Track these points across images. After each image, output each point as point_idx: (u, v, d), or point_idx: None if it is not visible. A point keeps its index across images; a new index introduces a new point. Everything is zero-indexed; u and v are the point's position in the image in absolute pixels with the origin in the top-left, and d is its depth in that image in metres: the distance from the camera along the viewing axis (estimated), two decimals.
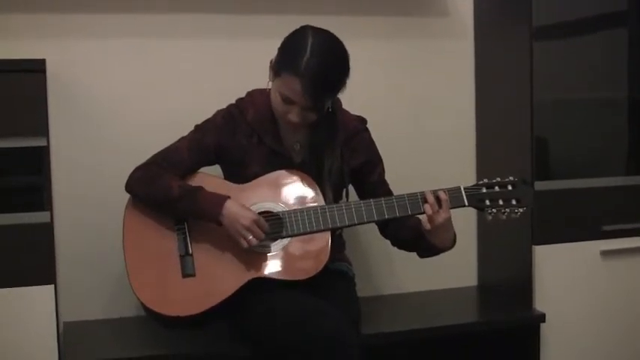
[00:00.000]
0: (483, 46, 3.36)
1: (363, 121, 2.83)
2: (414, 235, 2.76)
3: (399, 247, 2.90)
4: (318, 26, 2.61)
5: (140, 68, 3.04)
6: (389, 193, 2.81)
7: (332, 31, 2.60)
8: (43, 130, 2.64)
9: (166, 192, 2.59)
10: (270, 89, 2.66)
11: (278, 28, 2.64)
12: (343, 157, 2.74)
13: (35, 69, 2.63)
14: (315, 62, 2.51)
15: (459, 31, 3.38)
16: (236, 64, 3.10)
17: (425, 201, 2.63)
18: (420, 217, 2.69)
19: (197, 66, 3.09)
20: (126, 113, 3.03)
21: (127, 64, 3.03)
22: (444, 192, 2.64)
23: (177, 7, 3.05)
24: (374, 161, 2.83)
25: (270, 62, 2.62)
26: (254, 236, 2.54)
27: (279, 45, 2.62)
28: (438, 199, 2.62)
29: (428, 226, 2.63)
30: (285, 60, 2.56)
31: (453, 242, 2.75)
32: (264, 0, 3.14)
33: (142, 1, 3.03)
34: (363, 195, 2.81)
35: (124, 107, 3.03)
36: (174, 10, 3.05)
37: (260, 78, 2.68)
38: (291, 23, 2.63)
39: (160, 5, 3.04)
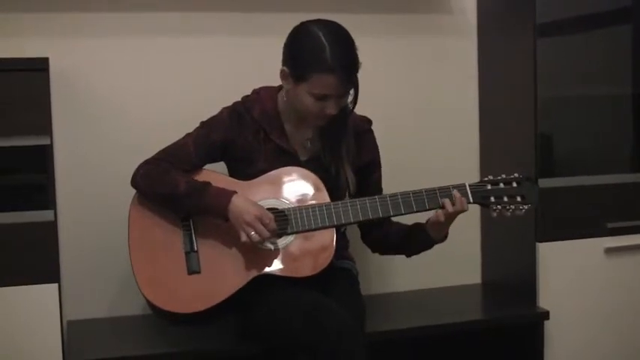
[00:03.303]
0: (487, 43, 3.36)
1: (368, 121, 2.83)
2: (404, 234, 2.79)
3: (384, 251, 2.92)
4: None
5: (143, 67, 3.05)
6: None
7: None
8: (46, 128, 2.64)
9: (173, 188, 2.59)
10: (276, 86, 2.67)
11: (281, 26, 2.64)
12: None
13: (38, 68, 2.62)
14: (337, 50, 2.53)
15: (463, 28, 3.38)
16: (240, 62, 3.10)
17: (446, 197, 2.64)
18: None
19: (200, 64, 3.09)
20: (129, 111, 3.03)
21: (130, 63, 3.03)
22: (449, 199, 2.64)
23: (180, 5, 3.06)
24: (375, 163, 2.84)
25: (282, 71, 2.61)
26: (256, 232, 2.54)
27: (282, 43, 2.62)
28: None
29: (442, 218, 2.63)
30: (308, 63, 2.55)
31: (445, 236, 2.76)
32: None
33: (145, 0, 3.02)
34: (357, 194, 2.78)
35: (127, 105, 3.03)
36: (177, 8, 3.05)
37: (264, 75, 2.68)
38: (293, 21, 2.63)
39: (164, 4, 3.04)
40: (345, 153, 2.72)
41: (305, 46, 2.57)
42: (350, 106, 2.67)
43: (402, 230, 2.81)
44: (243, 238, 2.54)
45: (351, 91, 2.62)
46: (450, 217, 2.66)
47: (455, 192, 2.64)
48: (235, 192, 2.57)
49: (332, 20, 2.61)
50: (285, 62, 2.62)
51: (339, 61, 2.52)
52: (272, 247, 2.60)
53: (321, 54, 2.52)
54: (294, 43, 2.60)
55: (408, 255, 2.86)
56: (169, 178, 2.61)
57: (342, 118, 2.67)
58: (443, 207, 2.64)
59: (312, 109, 2.60)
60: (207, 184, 2.60)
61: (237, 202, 2.55)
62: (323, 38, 2.53)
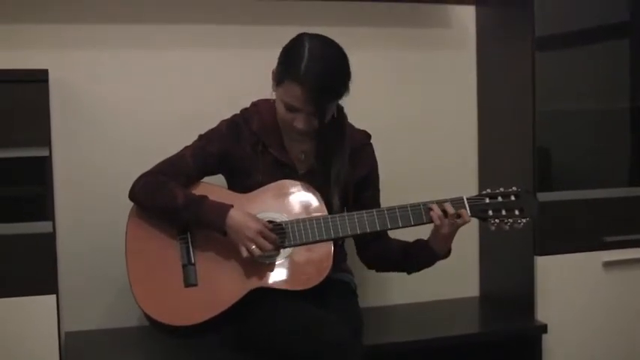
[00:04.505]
0: (485, 57, 3.36)
1: (367, 135, 2.82)
2: (405, 249, 2.78)
3: (382, 267, 2.91)
4: None
5: (142, 79, 3.05)
6: None
7: (336, 41, 2.61)
8: (45, 140, 2.65)
9: (171, 200, 2.58)
10: (274, 99, 2.67)
11: (281, 38, 2.64)
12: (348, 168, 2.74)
13: (38, 79, 2.63)
14: (313, 66, 2.52)
15: (462, 42, 3.38)
16: (239, 74, 3.11)
17: (431, 211, 2.63)
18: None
19: (199, 76, 3.10)
20: (128, 123, 3.03)
21: (128, 75, 3.04)
22: (451, 205, 2.63)
23: (179, 17, 3.06)
24: (372, 178, 2.83)
25: (272, 72, 2.63)
26: (257, 247, 2.54)
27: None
28: (444, 212, 2.63)
29: (438, 222, 2.63)
30: (285, 68, 2.57)
31: (448, 252, 2.75)
32: (268, 11, 3.15)
33: (144, 12, 3.04)
34: (352, 210, 2.75)
35: (126, 117, 3.03)
36: (176, 20, 3.06)
37: (262, 86, 2.68)
38: (294, 33, 2.63)
39: (162, 16, 3.05)
40: (335, 177, 2.69)
41: (289, 53, 2.58)
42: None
43: (401, 246, 2.80)
44: (244, 253, 2.54)
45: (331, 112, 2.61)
46: (452, 229, 2.65)
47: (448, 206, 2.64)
48: (232, 206, 2.57)
49: (332, 41, 2.59)
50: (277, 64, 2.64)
51: (311, 77, 2.50)
52: (270, 260, 2.60)
53: (298, 63, 2.51)
54: (285, 48, 2.61)
55: (409, 272, 2.85)
56: (167, 190, 2.60)
57: (336, 137, 2.68)
58: (432, 219, 2.64)
59: (284, 117, 2.61)
60: (205, 197, 2.59)
61: (235, 217, 2.55)
62: (306, 50, 2.53)
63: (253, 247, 2.53)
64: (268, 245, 2.54)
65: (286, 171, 2.69)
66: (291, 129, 2.62)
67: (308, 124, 2.59)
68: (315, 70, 2.51)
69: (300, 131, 2.61)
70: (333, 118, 2.65)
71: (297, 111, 2.56)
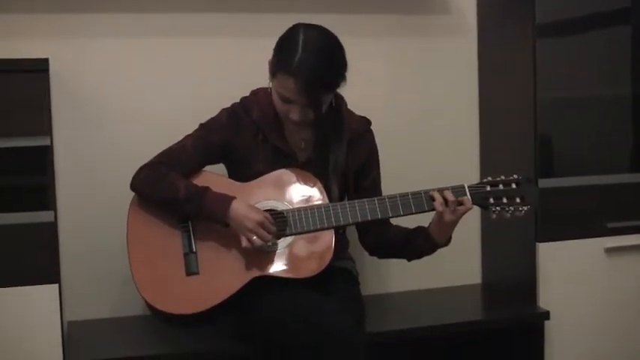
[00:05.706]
0: (486, 44, 3.35)
1: (367, 122, 2.82)
2: (405, 236, 2.78)
3: (383, 254, 2.91)
4: (320, 24, 2.61)
5: (143, 67, 3.05)
6: None
7: (334, 29, 2.60)
8: (46, 129, 2.64)
9: (172, 192, 2.59)
10: (271, 89, 2.67)
11: (280, 27, 2.63)
12: (347, 155, 2.74)
13: (38, 68, 2.63)
14: (306, 59, 2.51)
15: (462, 29, 3.37)
16: (239, 63, 3.10)
17: (432, 199, 2.63)
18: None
19: (200, 65, 3.09)
20: (129, 112, 3.03)
21: (130, 64, 3.03)
22: (451, 192, 2.63)
23: (180, 6, 3.06)
24: (371, 164, 2.83)
25: (269, 63, 2.62)
26: (259, 237, 2.54)
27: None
28: (445, 199, 2.63)
29: (440, 208, 2.63)
30: (279, 60, 2.56)
31: (449, 240, 2.76)
32: None
33: (145, 1, 3.03)
34: (353, 197, 2.76)
35: (127, 106, 3.03)
36: (177, 9, 3.05)
37: (263, 77, 2.68)
38: (293, 22, 2.63)
39: (164, 4, 3.04)
40: (333, 165, 2.70)
41: (283, 44, 2.58)
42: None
43: (402, 233, 2.80)
44: (245, 243, 2.54)
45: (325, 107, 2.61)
46: (455, 217, 2.65)
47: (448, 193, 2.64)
48: (234, 197, 2.57)
49: (327, 32, 2.59)
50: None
51: (304, 70, 2.49)
52: (271, 248, 2.60)
53: (291, 55, 2.51)
54: (280, 39, 2.61)
55: (410, 259, 2.85)
56: (169, 182, 2.61)
57: (334, 125, 2.68)
58: (433, 208, 2.64)
59: (280, 108, 2.61)
60: (207, 189, 2.59)
61: (237, 209, 2.55)
62: (300, 43, 2.52)
63: (254, 237, 2.53)
64: (268, 236, 2.54)
65: (287, 160, 2.69)
66: (288, 119, 2.62)
67: (303, 116, 2.59)
68: (309, 63, 2.50)
69: (295, 122, 2.61)
70: (331, 106, 2.65)
71: (291, 102, 2.56)
